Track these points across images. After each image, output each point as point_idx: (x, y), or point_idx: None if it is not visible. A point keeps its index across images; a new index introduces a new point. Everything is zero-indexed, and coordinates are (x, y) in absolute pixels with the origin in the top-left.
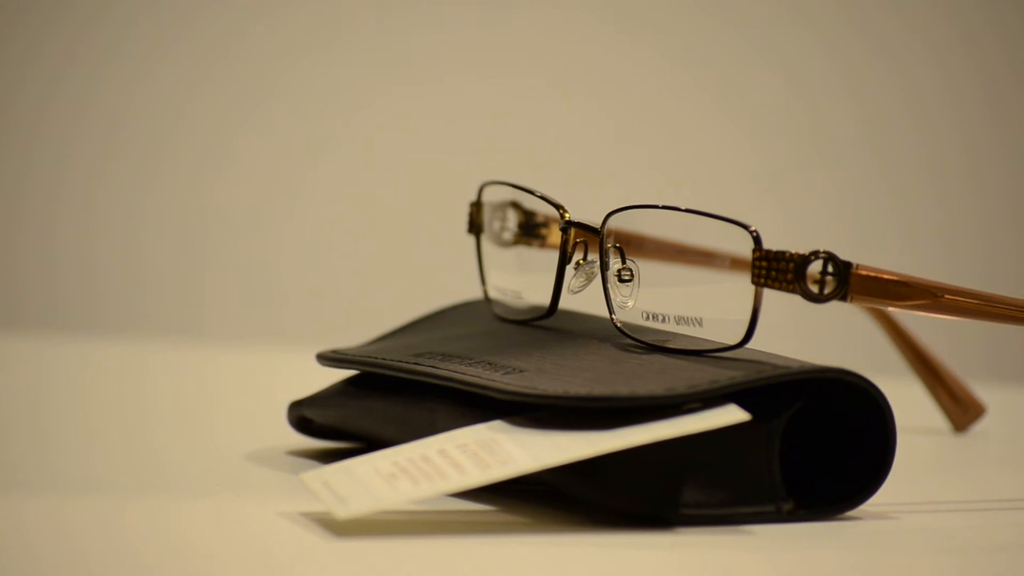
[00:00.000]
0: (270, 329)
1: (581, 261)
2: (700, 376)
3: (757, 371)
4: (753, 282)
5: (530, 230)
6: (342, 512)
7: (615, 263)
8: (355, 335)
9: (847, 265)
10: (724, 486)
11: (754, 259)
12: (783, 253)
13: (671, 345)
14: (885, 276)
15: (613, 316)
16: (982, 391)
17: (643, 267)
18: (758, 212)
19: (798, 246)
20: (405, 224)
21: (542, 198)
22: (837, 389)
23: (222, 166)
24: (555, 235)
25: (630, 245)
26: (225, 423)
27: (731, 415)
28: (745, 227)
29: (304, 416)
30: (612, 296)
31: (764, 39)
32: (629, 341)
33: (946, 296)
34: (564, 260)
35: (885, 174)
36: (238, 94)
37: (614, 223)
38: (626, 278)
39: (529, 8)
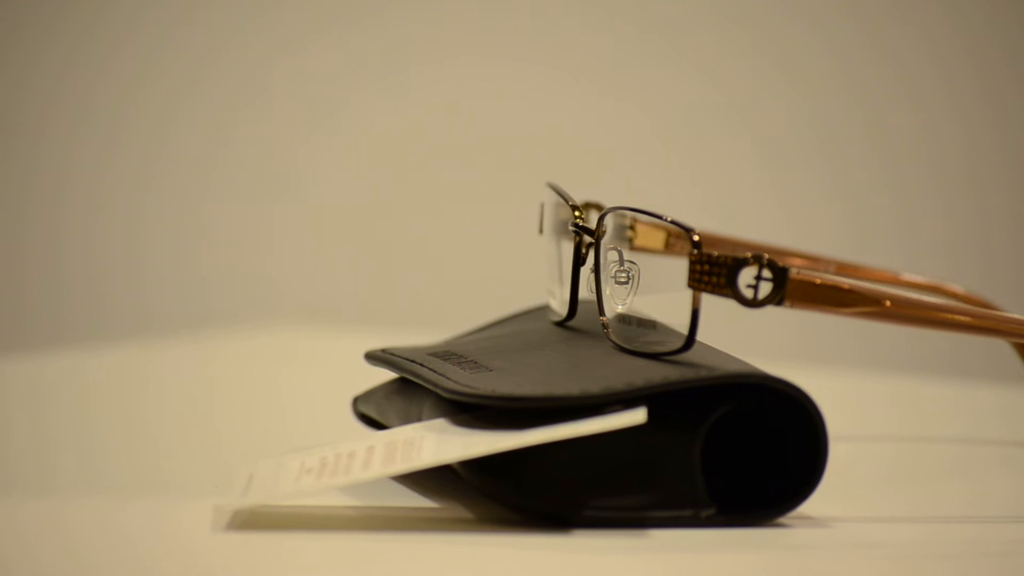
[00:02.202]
0: (272, 323)
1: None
2: (622, 378)
3: (679, 374)
4: (689, 285)
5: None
6: (234, 503)
7: (613, 264)
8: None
9: (783, 270)
10: (644, 489)
11: (691, 262)
12: (719, 257)
13: (643, 348)
14: (826, 282)
15: (603, 317)
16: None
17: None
18: (760, 210)
19: (798, 244)
20: (408, 222)
21: (559, 194)
22: (774, 396)
23: (224, 167)
24: (641, 237)
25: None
26: (226, 422)
27: (629, 417)
28: (688, 230)
29: (361, 411)
30: (605, 297)
31: (770, 40)
32: (610, 343)
33: (890, 304)
34: (579, 262)
35: (886, 173)
36: (243, 91)
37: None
38: (622, 280)
39: (533, 5)
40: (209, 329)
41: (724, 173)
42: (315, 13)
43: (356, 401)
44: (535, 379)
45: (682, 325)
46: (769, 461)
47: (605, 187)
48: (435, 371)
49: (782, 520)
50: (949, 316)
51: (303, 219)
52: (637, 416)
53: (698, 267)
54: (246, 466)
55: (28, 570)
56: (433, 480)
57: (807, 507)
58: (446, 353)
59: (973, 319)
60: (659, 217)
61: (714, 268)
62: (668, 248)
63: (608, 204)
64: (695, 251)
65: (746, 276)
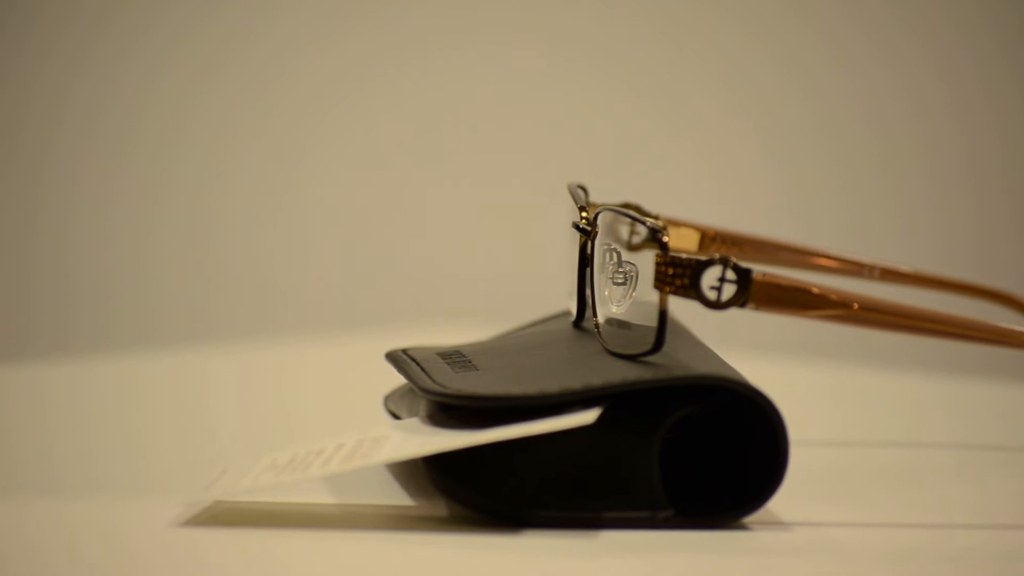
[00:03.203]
0: (272, 330)
1: None
2: (583, 379)
3: (636, 376)
4: (656, 287)
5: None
6: (196, 496)
7: (611, 265)
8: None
9: (747, 271)
10: (602, 490)
11: (656, 263)
12: (684, 259)
13: (622, 349)
14: (791, 284)
15: (595, 318)
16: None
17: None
18: (765, 207)
19: (802, 241)
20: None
21: (572, 196)
22: (734, 398)
23: (232, 174)
24: (675, 239)
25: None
26: (236, 427)
27: (579, 418)
28: (657, 231)
29: (390, 408)
30: (603, 298)
31: (775, 38)
32: (599, 344)
33: (857, 307)
34: (584, 263)
35: (887, 170)
36: (246, 97)
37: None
38: (619, 281)
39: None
40: (221, 336)
41: (741, 174)
42: (316, 13)
43: (386, 399)
44: (507, 379)
45: (652, 328)
46: (733, 463)
47: (628, 186)
48: (424, 371)
49: (744, 522)
50: (919, 323)
51: (311, 225)
52: (587, 417)
53: (663, 268)
54: (224, 462)
55: (28, 570)
56: (425, 478)
57: (781, 510)
58: (450, 353)
59: (942, 325)
60: (640, 220)
61: (678, 269)
62: (702, 249)
63: (646, 205)
64: (660, 252)
65: (711, 278)
